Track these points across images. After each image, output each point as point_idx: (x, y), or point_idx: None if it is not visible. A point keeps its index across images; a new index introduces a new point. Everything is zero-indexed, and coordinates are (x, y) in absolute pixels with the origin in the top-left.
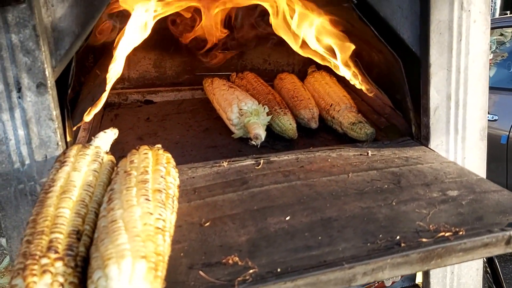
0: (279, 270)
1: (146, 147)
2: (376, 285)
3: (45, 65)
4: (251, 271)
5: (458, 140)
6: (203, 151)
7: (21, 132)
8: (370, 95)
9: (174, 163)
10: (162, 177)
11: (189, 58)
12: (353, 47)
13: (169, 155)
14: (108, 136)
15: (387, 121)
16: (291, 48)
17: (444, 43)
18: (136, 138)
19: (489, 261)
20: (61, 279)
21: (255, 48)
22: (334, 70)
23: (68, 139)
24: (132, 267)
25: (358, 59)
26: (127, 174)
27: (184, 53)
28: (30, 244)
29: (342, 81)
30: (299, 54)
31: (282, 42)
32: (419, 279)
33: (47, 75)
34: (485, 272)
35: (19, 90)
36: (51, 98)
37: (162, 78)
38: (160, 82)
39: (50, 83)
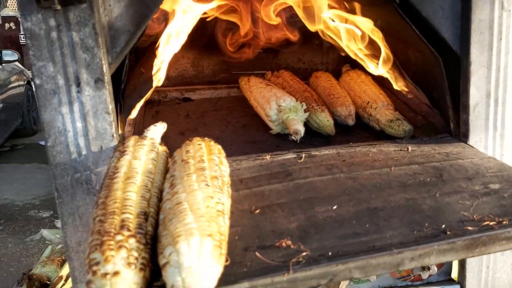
0: (330, 254)
1: (198, 138)
2: (412, 278)
3: (103, 62)
4: (303, 254)
5: (496, 137)
6: (242, 146)
7: (79, 125)
8: (408, 94)
9: (224, 154)
10: (216, 165)
11: (225, 57)
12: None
13: (220, 147)
14: (158, 129)
15: (424, 119)
16: (326, 47)
17: (484, 42)
18: (177, 134)
19: None
20: (135, 254)
21: (290, 47)
22: (369, 69)
23: (120, 131)
24: (200, 244)
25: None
26: (185, 162)
27: (221, 53)
28: (103, 223)
29: (377, 80)
30: (333, 53)
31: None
32: (454, 274)
33: (104, 71)
34: None
35: (78, 85)
36: (107, 93)
37: (199, 77)
38: (197, 80)
39: (107, 79)
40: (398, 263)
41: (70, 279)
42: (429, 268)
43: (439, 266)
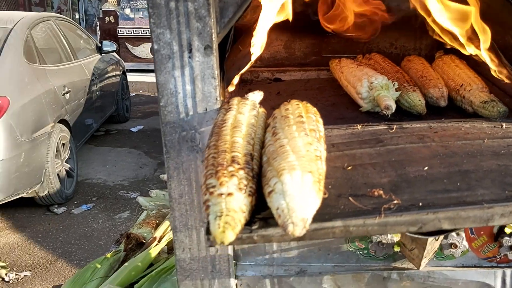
0: (420, 204)
1: (296, 100)
2: (498, 259)
3: (212, 30)
4: (395, 202)
5: None
6: (332, 121)
7: (188, 87)
8: (505, 79)
9: (319, 115)
10: (314, 121)
11: (317, 40)
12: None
13: (316, 109)
14: (256, 96)
15: None
16: (419, 32)
17: None
18: (269, 109)
19: None
20: (244, 182)
21: (382, 32)
22: (466, 52)
23: (221, 98)
24: (301, 177)
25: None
26: (285, 117)
27: (313, 35)
28: (216, 158)
29: (471, 66)
30: (426, 39)
31: (410, 26)
32: None
33: (213, 39)
34: None
35: (190, 51)
36: (214, 59)
37: (290, 59)
38: (289, 62)
39: (215, 46)
40: (488, 218)
41: (163, 240)
42: None
43: None
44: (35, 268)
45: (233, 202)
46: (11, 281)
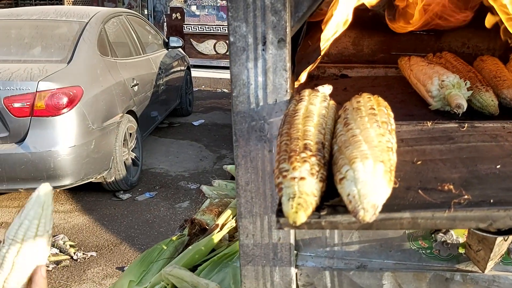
0: (492, 201)
1: (367, 94)
2: None
3: (287, 24)
4: (465, 197)
5: None
6: (401, 118)
7: (260, 79)
8: None
9: (390, 109)
10: (385, 114)
11: (386, 38)
12: None
13: (387, 103)
14: (325, 89)
15: None
16: (493, 32)
17: None
18: (337, 103)
19: None
20: (316, 168)
21: (454, 31)
22: None
23: (291, 91)
24: (373, 166)
25: None
26: (356, 109)
27: (382, 33)
28: (288, 145)
29: None
30: (501, 39)
31: (483, 26)
32: None
33: (287, 32)
34: None
35: (264, 43)
36: (287, 52)
37: (358, 56)
38: (356, 59)
39: (288, 39)
40: None
41: (225, 227)
42: None
43: None
44: (100, 249)
45: (305, 185)
46: (79, 260)
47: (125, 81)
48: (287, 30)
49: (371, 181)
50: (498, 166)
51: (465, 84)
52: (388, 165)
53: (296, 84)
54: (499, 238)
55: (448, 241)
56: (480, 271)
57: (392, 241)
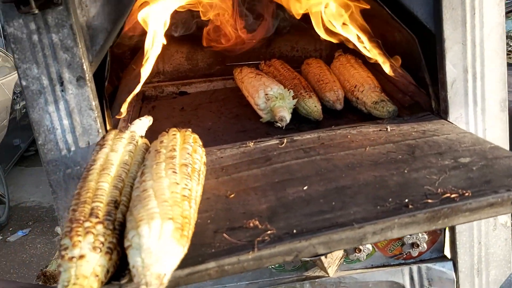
0: (295, 231)
1: (174, 129)
2: (404, 256)
3: (83, 60)
4: (269, 232)
5: (477, 112)
6: (233, 135)
7: (65, 122)
8: (392, 74)
9: (200, 143)
10: (188, 153)
11: (219, 50)
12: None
13: (196, 136)
14: (143, 123)
15: (411, 99)
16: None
17: (457, 17)
18: (171, 127)
19: None
20: (101, 239)
21: (282, 36)
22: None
23: (108, 127)
24: (161, 226)
25: (382, 40)
26: (157, 152)
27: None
28: (75, 212)
29: (370, 63)
30: (326, 40)
31: (308, 29)
32: (447, 251)
33: (85, 69)
34: None
35: (61, 84)
36: (90, 90)
37: (194, 70)
38: (193, 74)
39: (88, 76)
40: (361, 238)
41: None
42: (418, 246)
43: (430, 243)
44: None
45: (84, 266)
46: None
47: None
48: (85, 66)
49: (156, 246)
50: (305, 188)
51: (290, 93)
52: (179, 220)
53: (119, 116)
54: (321, 257)
55: None
56: (327, 275)
57: None
